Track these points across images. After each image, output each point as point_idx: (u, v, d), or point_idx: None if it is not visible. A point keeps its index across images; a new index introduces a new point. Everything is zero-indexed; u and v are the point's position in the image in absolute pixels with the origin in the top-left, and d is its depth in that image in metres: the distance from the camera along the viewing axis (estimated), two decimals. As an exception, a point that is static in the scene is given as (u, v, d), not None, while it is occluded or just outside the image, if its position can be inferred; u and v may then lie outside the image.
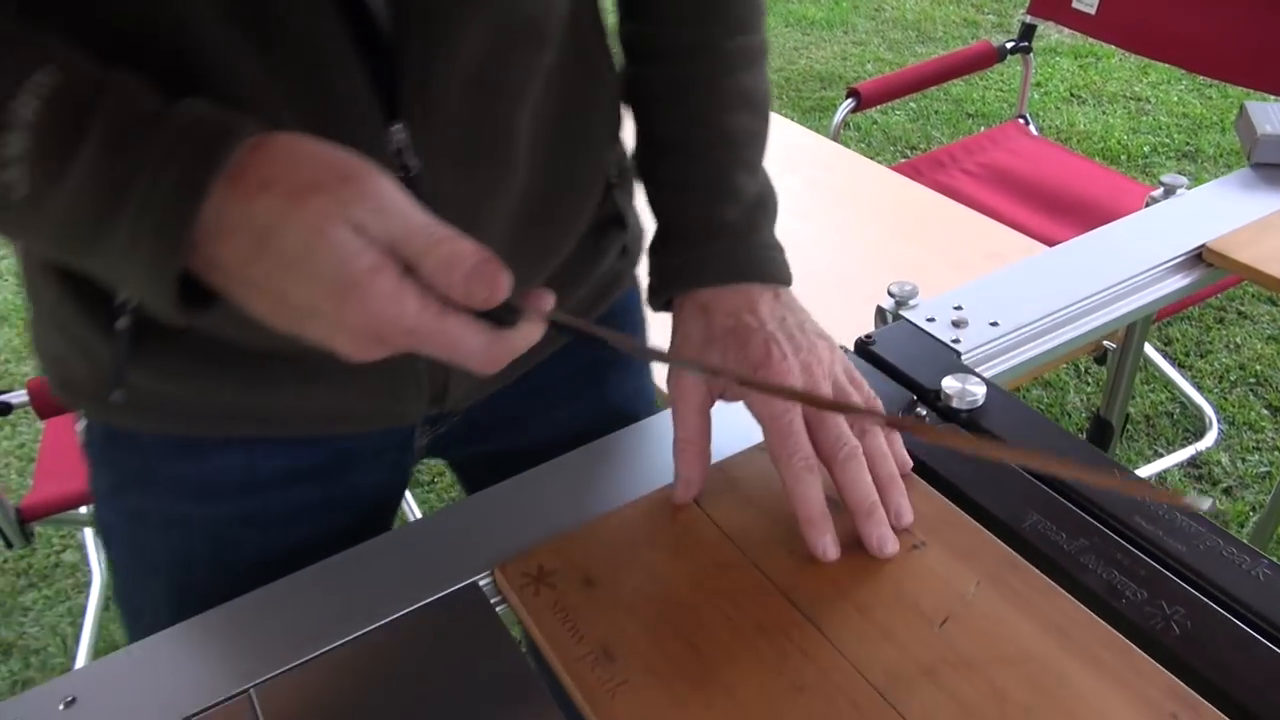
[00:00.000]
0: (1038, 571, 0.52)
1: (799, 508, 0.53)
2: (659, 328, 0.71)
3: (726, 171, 0.60)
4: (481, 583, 0.55)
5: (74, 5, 0.42)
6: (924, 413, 0.63)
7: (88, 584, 1.65)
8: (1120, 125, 2.92)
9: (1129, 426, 1.87)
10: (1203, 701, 0.45)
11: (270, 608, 0.54)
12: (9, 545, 1.12)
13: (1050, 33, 3.38)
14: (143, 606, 0.62)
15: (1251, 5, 1.48)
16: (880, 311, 0.74)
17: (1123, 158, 2.75)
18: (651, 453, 0.63)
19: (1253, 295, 2.18)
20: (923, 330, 0.71)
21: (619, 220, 0.67)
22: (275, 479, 0.61)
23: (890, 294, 0.74)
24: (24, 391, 1.08)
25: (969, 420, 0.62)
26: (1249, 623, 0.49)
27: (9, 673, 1.54)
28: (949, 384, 0.63)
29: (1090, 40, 1.85)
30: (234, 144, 0.38)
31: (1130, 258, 0.78)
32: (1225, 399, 1.92)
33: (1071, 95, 3.11)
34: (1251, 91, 1.70)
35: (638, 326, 0.75)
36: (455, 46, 0.47)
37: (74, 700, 0.50)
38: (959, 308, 0.73)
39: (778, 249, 0.61)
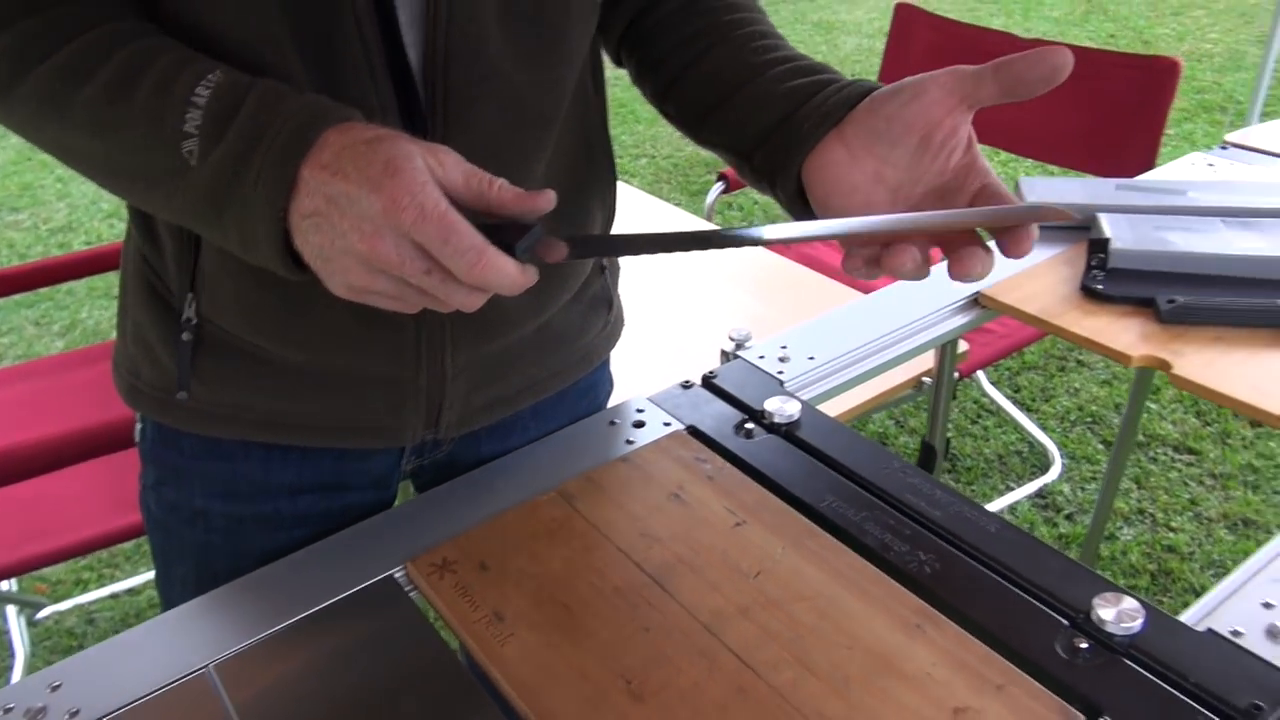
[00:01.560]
0: (830, 536, 0.68)
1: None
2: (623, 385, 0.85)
3: (808, 63, 0.65)
4: (397, 575, 0.68)
5: (173, 27, 0.55)
6: (752, 428, 0.79)
7: (9, 668, 1.68)
8: (973, 199, 3.22)
9: (984, 464, 2.08)
10: (941, 616, 0.61)
11: (233, 600, 0.66)
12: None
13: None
14: (171, 583, 0.77)
15: (1046, 99, 1.75)
16: (723, 353, 0.91)
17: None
18: (537, 467, 0.77)
19: (1089, 345, 2.45)
20: (754, 365, 0.87)
21: (607, 302, 0.81)
22: (285, 488, 0.75)
23: (730, 338, 0.91)
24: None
25: (787, 433, 0.79)
26: (981, 562, 0.66)
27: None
28: (770, 404, 0.80)
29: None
30: (341, 115, 0.51)
31: (922, 302, 0.96)
32: (1066, 437, 2.15)
33: (931, 173, 3.43)
34: (1069, 170, 1.96)
35: (603, 401, 0.88)
36: (470, 124, 0.61)
37: (59, 685, 0.60)
38: (784, 346, 0.90)
39: None
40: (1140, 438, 2.13)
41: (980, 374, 2.15)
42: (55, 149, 0.57)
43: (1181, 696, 0.56)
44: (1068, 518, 1.93)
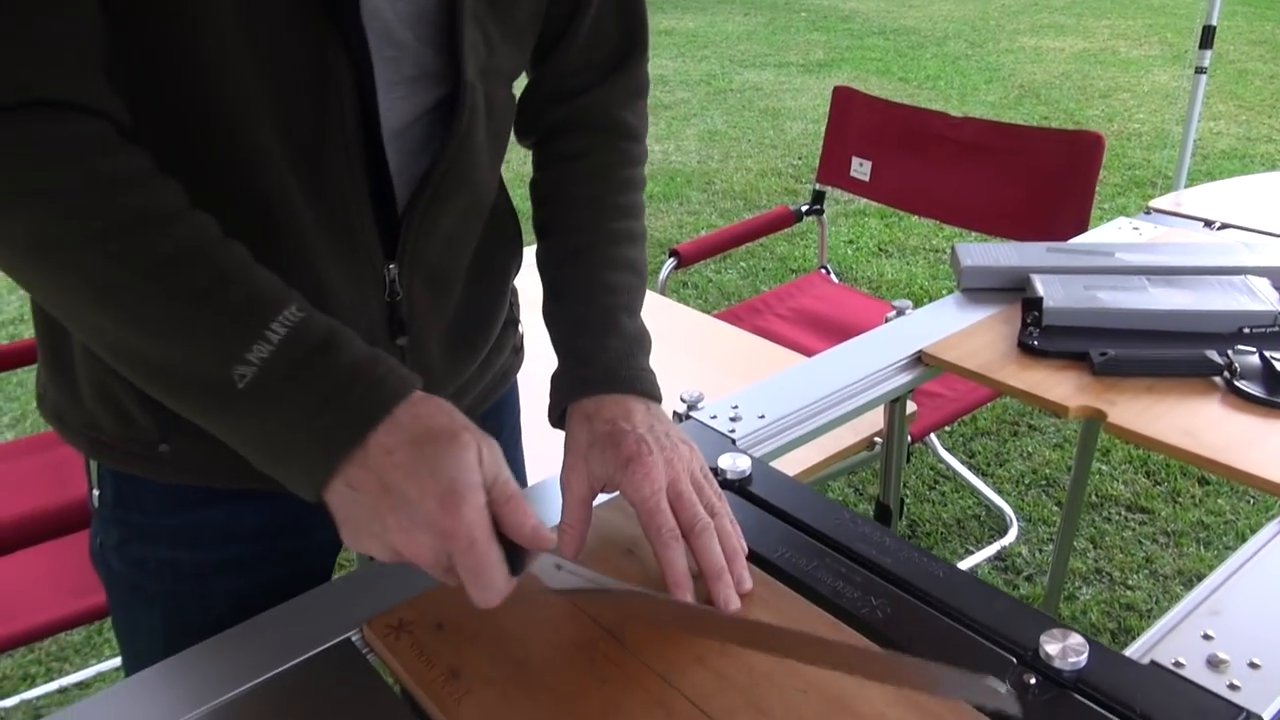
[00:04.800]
0: (783, 585, 0.69)
1: (668, 571, 0.64)
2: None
3: (611, 313, 0.75)
4: (354, 637, 0.68)
5: (184, 171, 0.58)
6: (705, 484, 0.81)
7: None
8: (921, 273, 3.32)
9: (942, 528, 2.10)
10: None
11: (191, 665, 0.65)
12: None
13: (860, 200, 3.85)
14: (139, 635, 0.78)
15: (980, 174, 1.83)
16: (675, 414, 0.93)
17: (925, 299, 3.13)
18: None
19: (1039, 411, 2.50)
20: (706, 425, 0.89)
21: (514, 322, 0.89)
22: (249, 533, 0.76)
23: (682, 399, 0.93)
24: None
25: (740, 488, 0.80)
26: (931, 605, 0.67)
27: None
28: (723, 461, 0.81)
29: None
30: (406, 394, 0.56)
31: (867, 362, 0.99)
32: (1022, 500, 2.19)
33: (879, 250, 3.53)
34: (994, 237, 2.04)
35: (515, 412, 0.95)
36: (437, 221, 0.70)
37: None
38: (735, 406, 0.92)
39: (650, 372, 0.75)
40: (1094, 498, 2.17)
41: (935, 440, 2.19)
42: (51, 299, 0.58)
43: (1127, 726, 0.57)
44: (1027, 579, 1.95)
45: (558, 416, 0.74)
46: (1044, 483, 2.24)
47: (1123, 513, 2.13)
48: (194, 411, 0.58)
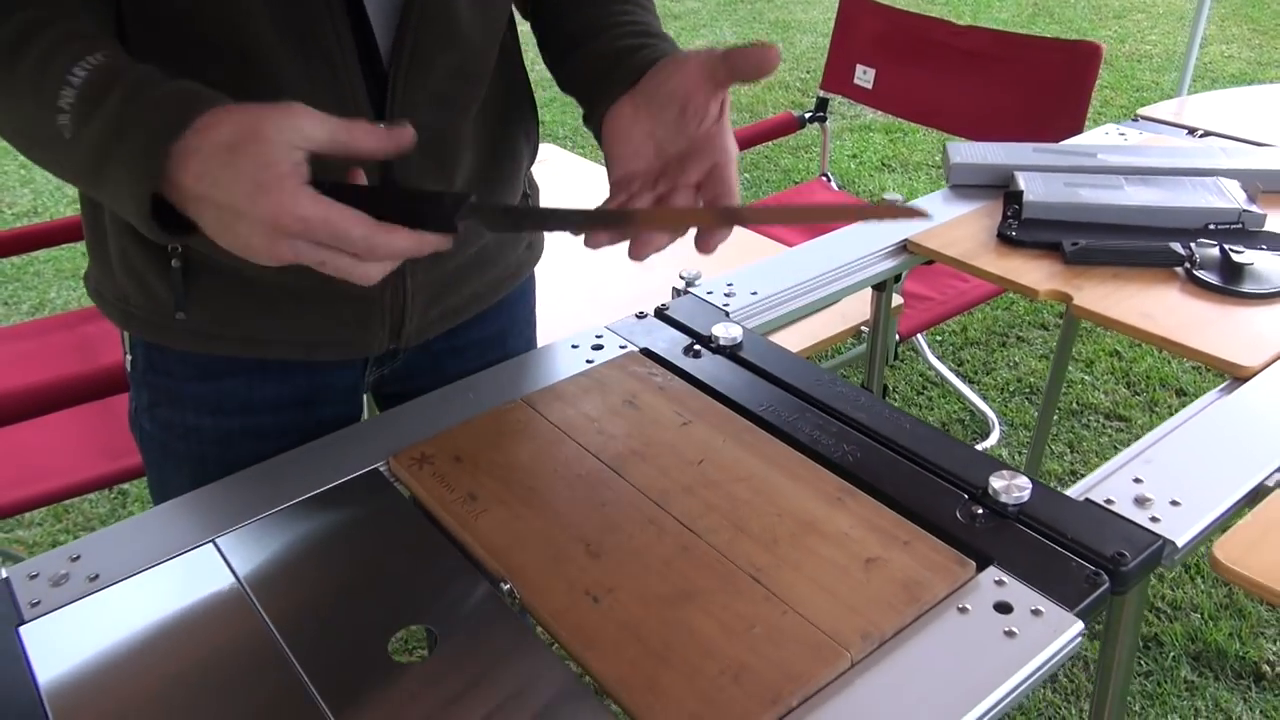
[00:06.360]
0: (766, 433, 0.77)
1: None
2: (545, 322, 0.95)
3: (642, 17, 0.76)
4: (381, 468, 0.76)
5: (166, 24, 0.63)
6: (699, 349, 0.88)
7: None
8: (923, 188, 3.36)
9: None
10: (860, 492, 0.70)
11: (232, 489, 0.74)
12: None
13: (865, 113, 3.85)
14: (167, 493, 0.82)
15: (980, 82, 1.87)
16: (674, 289, 1.00)
17: (924, 215, 3.17)
18: (504, 382, 0.85)
19: (1028, 322, 2.58)
20: (702, 299, 0.96)
21: None
22: (267, 403, 0.83)
23: (681, 276, 1.00)
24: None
25: (731, 353, 0.88)
26: (896, 451, 0.75)
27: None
28: (717, 329, 0.89)
29: (900, 119, 2.23)
30: (203, 108, 0.55)
31: (856, 247, 1.06)
32: (1006, 406, 2.27)
33: (883, 164, 3.56)
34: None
35: (530, 310, 0.98)
36: (426, 79, 0.71)
37: (79, 556, 0.68)
38: (730, 284, 0.99)
39: None
40: (1074, 406, 2.25)
41: (925, 347, 2.26)
42: None
43: (1059, 549, 0.66)
44: (1005, 479, 2.04)
45: (603, 109, 0.71)
46: (1028, 390, 2.32)
47: (1101, 420, 2.22)
48: (68, 177, 0.60)
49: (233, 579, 0.65)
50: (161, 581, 0.66)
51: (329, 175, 0.57)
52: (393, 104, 0.71)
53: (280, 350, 0.81)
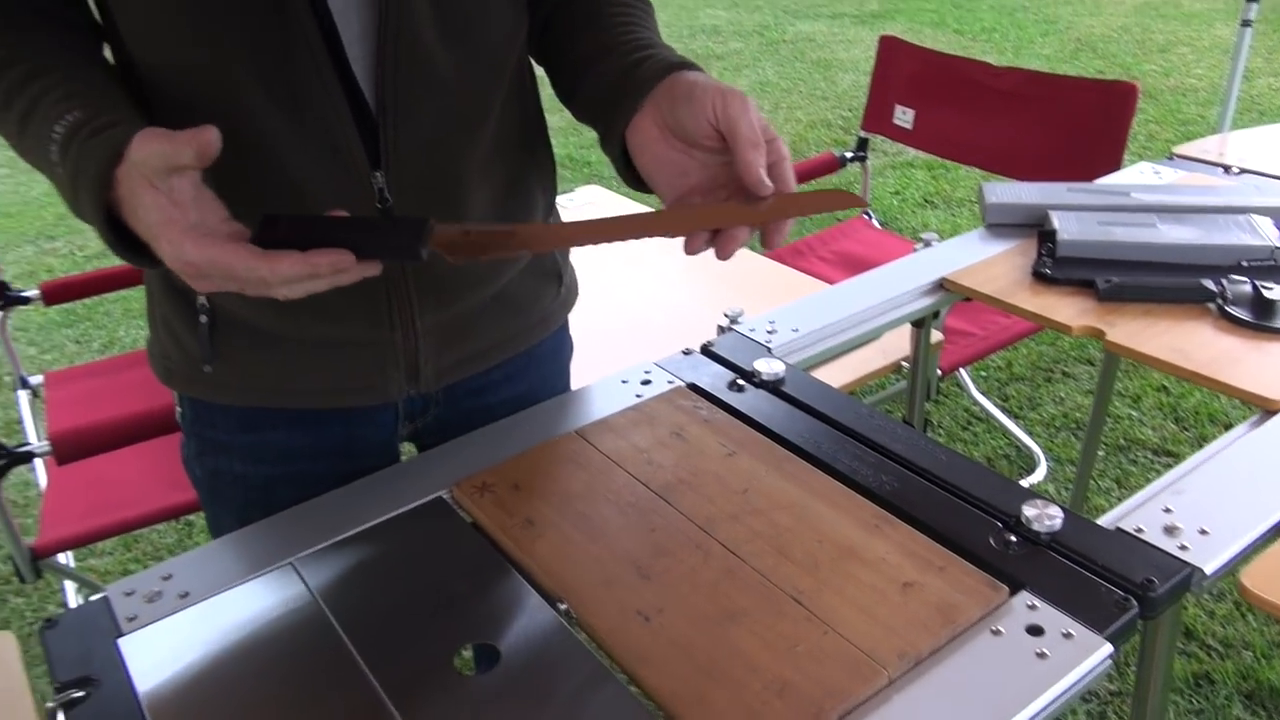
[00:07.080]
0: (807, 463, 0.81)
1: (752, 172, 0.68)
2: (582, 365, 0.99)
3: (644, 34, 0.78)
4: (444, 495, 0.81)
5: (165, 92, 0.69)
6: (743, 384, 0.93)
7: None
8: (965, 224, 3.38)
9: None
10: (897, 520, 0.74)
11: (305, 516, 0.79)
12: (21, 579, 1.31)
13: (908, 150, 3.89)
14: (223, 533, 0.86)
15: (1017, 122, 1.90)
16: (719, 327, 1.04)
17: (967, 251, 3.19)
18: (558, 416, 0.90)
19: (1074, 357, 2.58)
20: (745, 335, 1.01)
21: (558, 275, 0.93)
22: (305, 452, 0.87)
23: (725, 315, 1.04)
24: (46, 443, 1.30)
25: (774, 388, 0.92)
26: (932, 481, 0.78)
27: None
28: (759, 364, 0.93)
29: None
30: (115, 158, 0.60)
31: (894, 286, 1.10)
32: (1052, 441, 2.27)
33: (925, 201, 3.59)
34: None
35: (564, 367, 1.00)
36: (416, 125, 0.73)
37: (170, 576, 0.74)
38: (772, 321, 1.04)
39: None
40: (1122, 442, 2.25)
41: (969, 382, 2.28)
42: None
43: (1089, 575, 0.69)
44: (1050, 514, 2.04)
45: (619, 132, 0.74)
46: (1073, 425, 2.33)
47: (1149, 455, 2.21)
48: (71, 205, 0.64)
49: (310, 596, 0.71)
50: (245, 598, 0.71)
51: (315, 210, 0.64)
52: (386, 153, 0.73)
53: (305, 399, 0.84)
